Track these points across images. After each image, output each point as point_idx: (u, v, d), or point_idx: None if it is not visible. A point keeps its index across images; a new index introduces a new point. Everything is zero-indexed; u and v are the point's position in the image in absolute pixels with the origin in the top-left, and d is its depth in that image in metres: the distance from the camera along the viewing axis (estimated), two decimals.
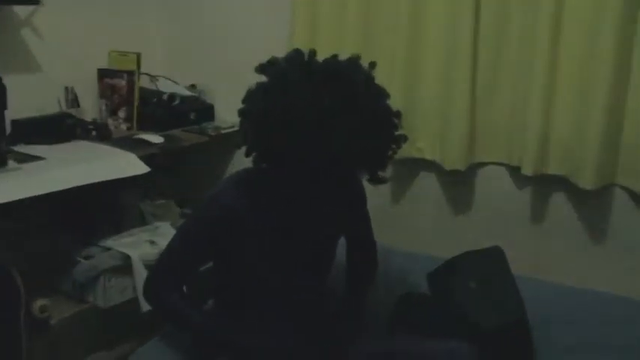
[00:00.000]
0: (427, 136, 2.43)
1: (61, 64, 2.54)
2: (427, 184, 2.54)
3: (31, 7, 2.41)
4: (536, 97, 2.19)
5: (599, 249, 2.28)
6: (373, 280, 1.94)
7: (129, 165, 2.26)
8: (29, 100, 2.38)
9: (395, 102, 2.29)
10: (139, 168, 2.25)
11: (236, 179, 1.64)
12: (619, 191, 2.21)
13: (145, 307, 2.19)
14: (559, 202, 2.31)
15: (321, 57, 1.56)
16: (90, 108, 2.66)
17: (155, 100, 2.72)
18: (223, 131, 2.71)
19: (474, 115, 2.34)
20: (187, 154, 2.76)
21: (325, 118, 1.40)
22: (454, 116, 2.34)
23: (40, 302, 2.08)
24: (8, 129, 2.28)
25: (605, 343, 1.86)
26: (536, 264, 2.25)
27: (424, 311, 1.90)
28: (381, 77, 2.37)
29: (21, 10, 2.41)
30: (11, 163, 2.11)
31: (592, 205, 2.26)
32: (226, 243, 1.60)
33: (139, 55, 2.65)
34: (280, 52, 2.58)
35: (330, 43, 2.47)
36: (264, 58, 2.65)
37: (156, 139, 2.49)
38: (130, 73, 2.63)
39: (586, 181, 2.17)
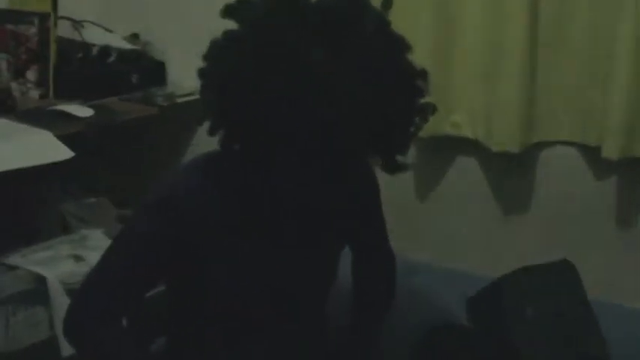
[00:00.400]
0: (466, 106, 2.44)
1: None
2: (466, 172, 2.56)
3: None
4: (625, 49, 2.20)
5: None
6: (389, 307, 1.93)
7: (43, 148, 2.26)
8: None
9: (421, 58, 2.34)
10: (59, 152, 2.26)
11: (196, 168, 1.64)
12: None
13: (67, 349, 2.20)
14: None
15: None
16: None
17: (80, 55, 2.72)
18: (179, 100, 2.71)
19: (534, 77, 2.35)
20: (128, 133, 2.77)
21: (321, 78, 1.40)
22: (505, 78, 2.35)
23: None
24: None
25: None
26: (621, 284, 2.26)
27: (462, 351, 1.91)
28: (401, 23, 2.41)
29: None
30: None
31: None
32: (184, 259, 1.60)
33: None
34: None
35: None
36: None
37: (83, 111, 2.49)
38: (43, 17, 2.62)
39: None
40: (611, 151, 2.26)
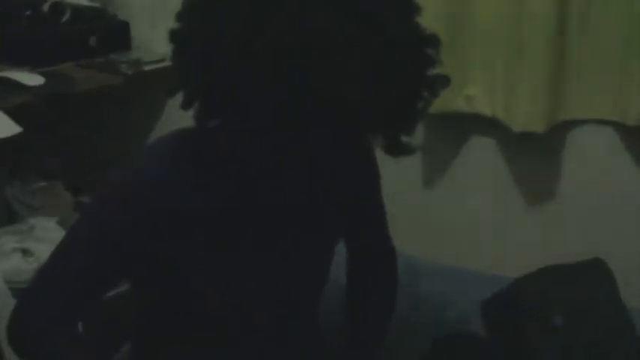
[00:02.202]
0: (483, 78, 2.45)
1: None
2: (482, 154, 2.56)
3: None
4: None
5: None
6: (391, 314, 1.93)
7: None
8: None
9: (431, 19, 2.35)
10: (5, 128, 2.26)
11: (167, 147, 1.61)
12: None
13: (13, 358, 2.22)
14: None
15: None
16: None
17: (29, 13, 2.71)
18: (147, 67, 2.72)
19: (563, 45, 2.35)
20: (86, 106, 2.77)
21: (315, 42, 1.39)
22: (529, 46, 2.35)
23: None
24: None
25: None
26: None
27: None
28: None
29: None
30: None
31: None
32: (152, 252, 1.58)
33: None
34: None
35: None
36: None
37: (32, 79, 2.50)
38: None
39: None
40: None
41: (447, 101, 2.45)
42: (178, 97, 1.49)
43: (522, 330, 1.90)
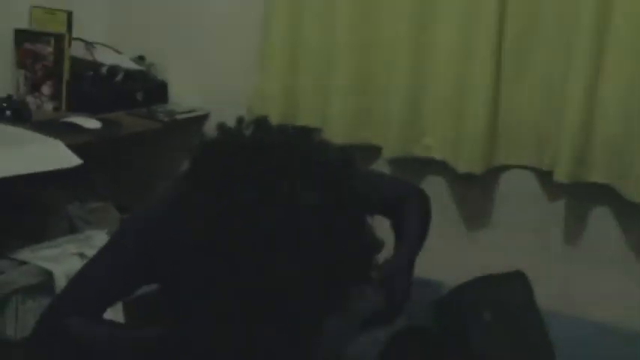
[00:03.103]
0: (436, 130, 2.44)
1: None
2: (434, 190, 2.42)
3: None
4: (576, 87, 2.21)
5: None
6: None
7: (55, 156, 2.24)
8: None
9: (398, 85, 2.41)
10: (68, 160, 2.24)
11: (170, 194, 1.52)
12: None
13: None
14: (601, 216, 2.34)
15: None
16: (4, 80, 2.65)
17: (91, 73, 2.70)
18: (179, 117, 2.70)
19: (497, 107, 2.36)
20: (132, 145, 2.76)
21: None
22: (471, 107, 2.36)
23: None
24: None
25: None
26: (569, 295, 2.27)
27: (427, 350, 1.89)
28: (381, 55, 2.45)
29: None
30: None
31: None
32: (155, 273, 1.53)
33: (69, 14, 2.63)
34: (253, 20, 2.64)
35: (319, 17, 2.52)
36: (233, 27, 2.73)
37: (91, 123, 2.47)
38: (59, 37, 2.61)
39: (636, 192, 2.18)
40: (562, 176, 2.27)
41: (408, 149, 2.47)
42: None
43: (461, 323, 1.92)
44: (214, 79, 2.78)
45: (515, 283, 2.00)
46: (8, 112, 2.46)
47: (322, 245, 1.33)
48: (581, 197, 2.36)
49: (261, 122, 1.44)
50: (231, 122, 1.53)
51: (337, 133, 2.44)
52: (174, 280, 1.46)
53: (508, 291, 1.98)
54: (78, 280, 1.61)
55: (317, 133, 1.55)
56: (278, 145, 1.39)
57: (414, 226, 1.86)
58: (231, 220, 1.31)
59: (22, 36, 2.66)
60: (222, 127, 1.45)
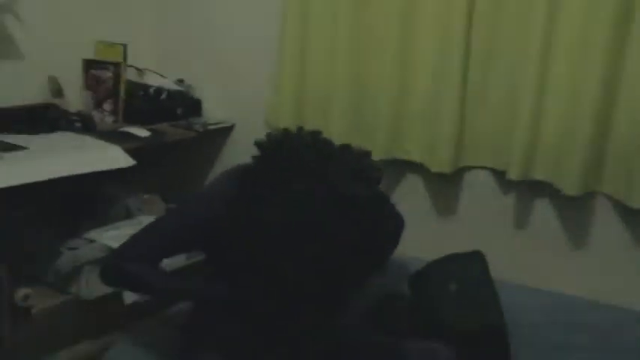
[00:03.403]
0: (415, 138, 2.46)
1: (45, 53, 2.52)
2: (413, 185, 2.56)
3: None
4: (525, 103, 2.22)
5: (580, 256, 2.31)
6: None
7: (114, 157, 2.26)
8: (12, 87, 2.39)
9: (385, 103, 2.42)
10: (124, 161, 2.25)
11: (230, 176, 1.63)
12: (602, 199, 2.24)
13: (129, 299, 2.25)
14: (543, 207, 2.34)
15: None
16: (74, 99, 2.66)
17: (142, 93, 2.72)
18: (211, 127, 2.70)
19: (462, 120, 2.37)
20: (174, 149, 2.76)
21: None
22: (442, 120, 2.37)
23: (23, 291, 2.10)
24: None
25: (585, 345, 1.94)
26: (516, 269, 2.28)
27: (405, 312, 1.97)
28: (371, 81, 2.46)
29: None
30: None
31: (575, 211, 2.28)
32: (208, 235, 1.59)
33: (125, 47, 2.64)
34: (268, 51, 2.66)
35: (322, 50, 2.54)
36: (253, 56, 2.76)
37: (142, 132, 2.49)
38: (117, 65, 2.63)
39: (571, 187, 2.19)
40: (513, 174, 2.29)
41: (393, 153, 2.50)
42: (230, 146, 1.50)
43: (432, 293, 1.95)
44: (238, 97, 2.79)
45: (475, 260, 2.02)
46: (78, 124, 2.48)
47: (362, 228, 1.39)
48: (527, 191, 2.37)
49: (314, 133, 1.54)
50: (252, 131, 1.57)
51: (336, 140, 2.41)
52: (228, 250, 1.53)
53: (469, 267, 2.01)
54: (141, 234, 1.66)
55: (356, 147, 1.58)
56: (328, 150, 1.49)
57: None
58: (291, 205, 1.37)
59: (88, 64, 2.68)
60: (285, 130, 1.54)
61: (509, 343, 1.90)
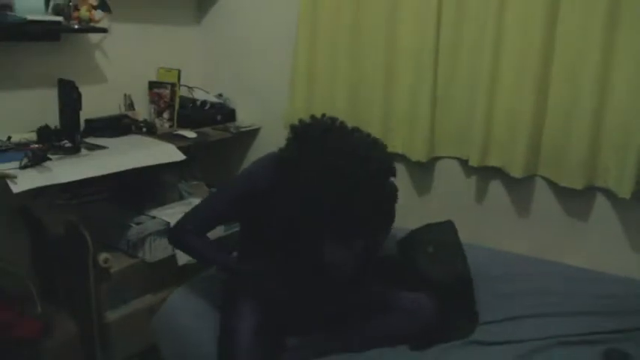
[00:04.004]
0: (399, 135, 2.31)
1: (122, 77, 2.46)
2: (398, 172, 2.33)
3: (100, 35, 2.34)
4: (481, 104, 2.09)
5: (524, 223, 2.18)
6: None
7: (169, 153, 2.16)
8: (98, 104, 2.34)
9: (376, 107, 2.30)
10: (177, 156, 2.16)
11: (267, 161, 1.50)
12: (540, 180, 2.12)
13: (181, 260, 2.12)
14: (496, 186, 2.22)
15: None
16: (143, 110, 2.56)
17: (191, 105, 2.62)
18: (242, 130, 2.60)
19: (434, 120, 2.24)
20: (214, 147, 2.66)
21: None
22: (419, 121, 2.23)
23: (103, 255, 2.00)
24: (82, 125, 2.22)
25: (529, 291, 1.81)
26: (478, 234, 2.17)
27: (394, 269, 1.81)
28: (365, 89, 2.33)
29: (93, 37, 2.35)
30: (83, 151, 2.05)
31: (520, 189, 2.16)
32: (250, 208, 1.48)
33: (179, 71, 2.55)
34: (286, 71, 2.54)
35: (325, 69, 2.41)
36: (273, 75, 2.63)
37: (190, 134, 2.39)
38: (173, 85, 2.53)
39: (516, 171, 2.07)
40: (473, 162, 2.16)
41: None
42: (257, 144, 1.39)
43: (415, 254, 1.80)
44: (263, 105, 2.67)
45: (447, 228, 1.90)
46: (144, 129, 2.38)
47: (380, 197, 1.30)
48: (484, 175, 2.24)
49: (333, 118, 1.42)
50: (275, 132, 1.46)
51: None
52: (269, 222, 1.41)
53: (443, 233, 1.88)
54: (194, 210, 1.57)
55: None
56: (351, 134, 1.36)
57: None
58: (330, 178, 1.24)
59: (152, 85, 2.57)
60: (312, 117, 1.40)
61: (474, 291, 1.77)
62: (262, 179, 1.44)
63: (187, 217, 1.57)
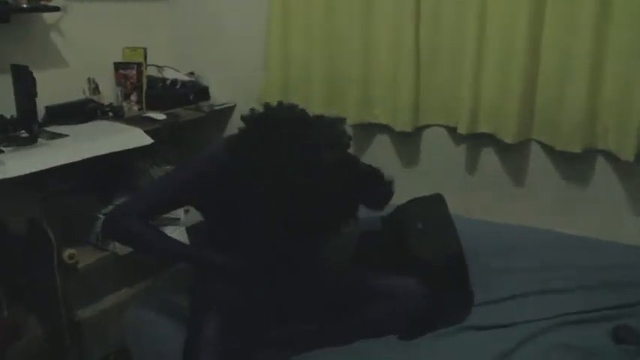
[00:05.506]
0: (381, 103, 2.12)
1: (84, 60, 2.24)
2: (382, 144, 2.24)
3: (56, 14, 2.11)
4: (468, 68, 1.91)
5: (519, 192, 2.02)
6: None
7: (135, 138, 1.96)
8: (60, 89, 2.12)
9: (354, 75, 2.09)
10: (144, 140, 1.96)
11: (223, 145, 1.32)
12: (534, 145, 1.94)
13: (122, 250, 1.93)
14: (488, 154, 2.04)
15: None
16: (109, 94, 2.33)
17: (160, 85, 2.39)
18: (216, 108, 2.39)
19: (419, 86, 2.04)
20: (189, 128, 2.45)
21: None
22: (402, 87, 2.04)
23: (68, 251, 1.83)
24: (42, 114, 2.03)
25: (526, 266, 1.64)
26: (468, 205, 1.99)
27: (377, 249, 1.63)
28: (343, 58, 2.12)
29: (48, 17, 2.12)
30: (41, 141, 1.85)
31: (513, 156, 2.00)
32: (198, 197, 1.32)
33: (145, 50, 2.33)
34: (258, 41, 2.32)
35: (300, 34, 2.20)
36: (245, 49, 2.39)
37: (159, 116, 2.18)
38: (139, 64, 2.31)
39: (508, 137, 1.90)
40: (462, 129, 1.98)
41: (365, 117, 2.16)
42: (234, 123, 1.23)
43: (403, 231, 1.61)
44: (237, 82, 2.46)
45: (436, 201, 1.70)
46: (110, 113, 2.18)
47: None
48: (475, 143, 2.05)
49: (292, 106, 1.27)
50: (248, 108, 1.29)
51: (316, 110, 2.12)
52: (218, 203, 1.27)
53: (432, 207, 1.68)
54: (138, 193, 1.42)
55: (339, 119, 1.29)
56: (306, 119, 1.23)
57: None
58: (277, 168, 1.12)
59: (118, 66, 2.34)
60: (266, 105, 1.26)
61: (467, 267, 1.58)
62: (213, 163, 1.30)
63: (133, 201, 1.36)
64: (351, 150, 1.28)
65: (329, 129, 1.21)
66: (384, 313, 1.37)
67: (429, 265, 1.49)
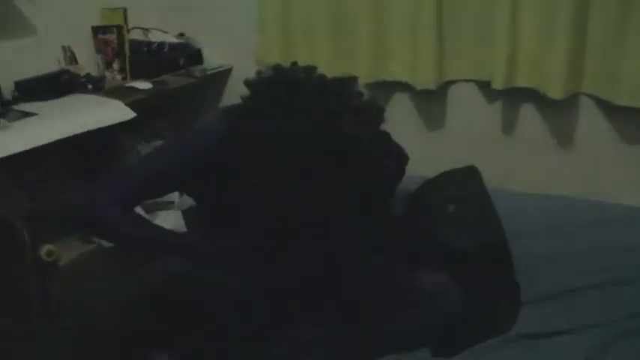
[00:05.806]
0: (398, 57, 1.87)
1: (56, 26, 2.01)
2: (401, 105, 1.98)
3: None
4: (502, 9, 1.66)
5: (567, 157, 1.79)
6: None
7: (115, 112, 1.75)
8: (30, 62, 1.91)
9: (366, 25, 1.80)
10: (125, 114, 1.76)
11: (222, 114, 1.11)
12: (585, 99, 1.71)
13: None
14: (529, 113, 1.81)
15: None
16: (89, 63, 2.09)
17: (145, 49, 2.14)
18: (209, 72, 2.15)
19: (442, 34, 1.79)
20: (181, 96, 2.21)
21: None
22: (422, 36, 1.79)
23: (46, 247, 1.63)
24: (12, 89, 1.84)
25: (582, 249, 1.34)
26: (507, 175, 1.75)
27: (404, 238, 1.33)
28: (353, 3, 1.81)
29: None
30: (4, 122, 1.65)
31: (560, 114, 1.76)
32: (194, 176, 1.09)
33: (125, 10, 2.08)
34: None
35: None
36: (242, 5, 2.09)
37: (144, 85, 1.96)
38: (119, 27, 2.06)
39: (554, 91, 1.67)
40: (497, 84, 1.73)
41: (379, 74, 1.91)
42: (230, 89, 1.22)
43: (431, 216, 1.34)
44: (233, 42, 2.20)
45: (470, 176, 1.42)
46: (90, 85, 1.95)
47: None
48: (512, 99, 1.80)
49: (309, 68, 1.05)
50: (249, 71, 1.07)
51: (323, 70, 1.83)
52: (216, 189, 1.09)
53: (465, 184, 1.40)
54: (118, 174, 1.18)
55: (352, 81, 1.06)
56: (324, 86, 1.00)
57: None
58: (286, 141, 0.94)
59: (96, 30, 2.10)
60: (277, 67, 1.05)
61: (511, 256, 1.30)
62: (214, 140, 1.06)
63: (113, 184, 1.09)
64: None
65: (359, 99, 1.02)
66: (409, 319, 1.14)
67: (464, 256, 1.22)
